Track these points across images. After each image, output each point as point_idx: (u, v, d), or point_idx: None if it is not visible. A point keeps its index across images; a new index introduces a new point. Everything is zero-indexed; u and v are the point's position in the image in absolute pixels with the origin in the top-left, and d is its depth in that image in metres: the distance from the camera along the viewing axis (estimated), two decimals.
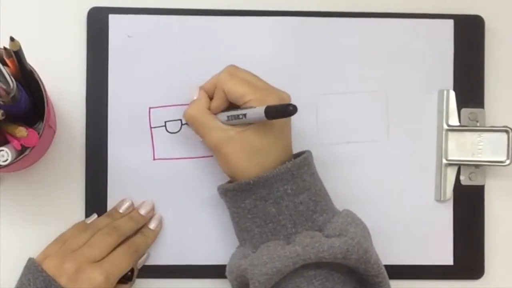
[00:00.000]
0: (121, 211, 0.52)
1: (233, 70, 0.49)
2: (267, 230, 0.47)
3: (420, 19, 0.55)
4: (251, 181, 0.46)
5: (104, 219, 0.52)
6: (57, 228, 0.51)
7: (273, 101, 0.46)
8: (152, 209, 0.53)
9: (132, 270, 0.51)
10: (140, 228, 0.52)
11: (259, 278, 0.45)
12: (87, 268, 0.47)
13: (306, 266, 0.45)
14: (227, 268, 0.49)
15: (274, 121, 0.46)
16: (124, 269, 0.49)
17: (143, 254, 0.52)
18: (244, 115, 0.46)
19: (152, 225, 0.53)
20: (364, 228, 0.48)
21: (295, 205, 0.46)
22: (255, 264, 0.45)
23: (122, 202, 0.53)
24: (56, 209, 0.53)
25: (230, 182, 0.50)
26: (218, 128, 0.48)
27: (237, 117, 0.46)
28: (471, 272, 0.55)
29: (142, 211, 0.52)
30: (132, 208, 0.53)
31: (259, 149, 0.47)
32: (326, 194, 0.49)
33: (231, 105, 0.48)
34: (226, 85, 0.47)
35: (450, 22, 0.55)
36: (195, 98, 0.50)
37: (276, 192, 0.46)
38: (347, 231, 0.46)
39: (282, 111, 0.44)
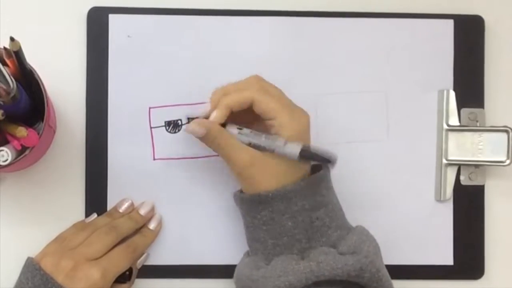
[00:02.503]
0: (121, 210, 0.52)
1: (264, 86, 0.47)
2: (281, 243, 0.46)
3: (420, 19, 0.55)
4: (270, 194, 0.46)
5: (103, 218, 0.52)
6: (57, 228, 0.51)
7: (296, 127, 0.46)
8: (152, 209, 0.53)
9: (130, 270, 0.51)
10: (139, 228, 0.52)
11: None
12: (84, 266, 0.47)
13: (317, 284, 0.45)
14: (235, 275, 0.49)
15: None
16: (122, 267, 0.49)
17: (142, 254, 0.52)
18: (274, 139, 0.45)
19: (151, 225, 0.52)
20: (376, 245, 0.47)
21: (312, 220, 0.46)
22: (268, 276, 0.45)
23: (122, 202, 0.53)
24: (56, 209, 0.53)
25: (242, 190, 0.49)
26: (240, 148, 0.46)
27: (265, 137, 0.46)
28: (471, 272, 0.55)
29: (142, 211, 0.52)
30: (132, 208, 0.53)
31: (284, 172, 0.46)
32: (340, 209, 0.49)
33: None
34: (261, 103, 0.46)
35: (450, 22, 0.55)
36: (211, 114, 0.47)
37: (294, 207, 0.46)
38: (361, 249, 0.45)
39: (320, 160, 0.45)
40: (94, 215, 0.52)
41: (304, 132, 0.47)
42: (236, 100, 0.46)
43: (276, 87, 0.48)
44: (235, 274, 0.49)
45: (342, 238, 0.47)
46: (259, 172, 0.46)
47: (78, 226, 0.51)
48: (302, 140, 0.46)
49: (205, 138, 0.47)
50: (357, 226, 0.49)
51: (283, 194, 0.46)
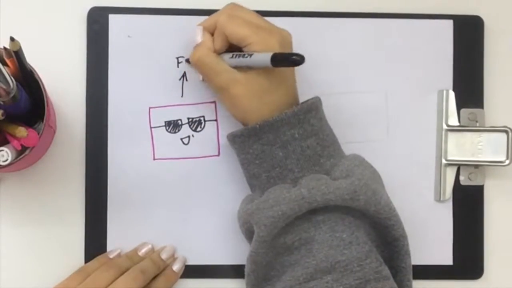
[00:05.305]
0: (140, 254, 0.51)
1: (232, 11, 0.48)
2: (274, 175, 0.47)
3: (420, 19, 0.55)
4: (258, 125, 0.46)
5: (125, 259, 0.50)
6: (57, 228, 0.51)
7: (275, 41, 0.46)
8: (173, 254, 0.52)
9: None
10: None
11: (264, 221, 0.44)
12: None
13: (314, 211, 0.45)
14: (237, 216, 0.49)
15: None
16: None
17: None
18: (250, 55, 0.46)
19: (175, 267, 0.52)
20: (374, 171, 0.47)
21: (302, 149, 0.46)
22: (261, 208, 0.45)
23: (142, 245, 0.52)
24: (56, 209, 0.53)
25: None
26: (225, 70, 0.47)
27: (242, 55, 0.46)
28: (471, 272, 0.55)
29: (164, 256, 0.51)
30: (152, 252, 0.52)
31: (266, 89, 0.46)
32: (334, 140, 0.49)
33: (234, 46, 0.48)
34: (227, 29, 0.47)
35: (450, 23, 0.56)
36: (199, 39, 0.49)
37: (283, 136, 0.46)
38: (354, 172, 0.45)
39: (288, 60, 0.44)
40: (118, 251, 0.51)
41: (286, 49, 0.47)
42: (208, 22, 0.49)
43: (249, 12, 0.48)
44: (237, 214, 0.49)
45: (335, 165, 0.47)
46: (241, 92, 0.46)
47: (102, 262, 0.50)
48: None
49: (198, 66, 0.49)
50: (350, 154, 0.49)
51: (270, 124, 0.46)
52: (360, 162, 0.47)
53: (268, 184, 0.47)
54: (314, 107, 0.47)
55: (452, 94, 0.55)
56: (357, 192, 0.44)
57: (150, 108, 0.53)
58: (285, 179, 0.46)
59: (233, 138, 0.48)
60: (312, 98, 0.48)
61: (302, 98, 0.50)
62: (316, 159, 0.46)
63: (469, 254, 0.55)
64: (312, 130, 0.46)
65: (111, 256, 0.51)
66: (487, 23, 0.56)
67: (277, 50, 0.45)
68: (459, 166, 0.55)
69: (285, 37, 0.47)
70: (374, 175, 0.47)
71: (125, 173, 0.53)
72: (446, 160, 0.54)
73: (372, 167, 0.48)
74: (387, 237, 0.47)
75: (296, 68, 0.54)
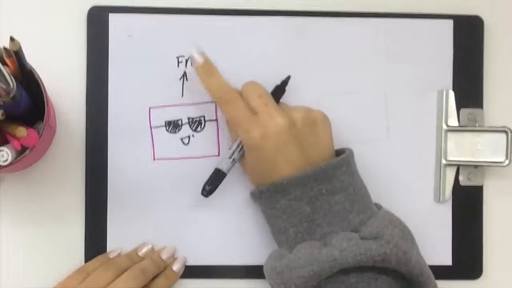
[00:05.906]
0: (140, 254, 0.51)
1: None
2: (302, 230, 0.46)
3: (419, 19, 0.55)
4: (285, 181, 0.46)
5: (125, 259, 0.50)
6: (57, 228, 0.51)
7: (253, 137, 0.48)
8: (173, 254, 0.52)
9: None
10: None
11: (295, 280, 0.44)
12: None
13: (347, 272, 0.45)
14: (264, 269, 0.49)
15: (317, 122, 0.49)
16: None
17: None
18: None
19: (175, 267, 0.52)
20: (403, 228, 0.47)
21: (330, 205, 0.46)
22: (291, 267, 0.45)
23: (142, 245, 0.52)
24: (56, 209, 0.53)
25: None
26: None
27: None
28: (470, 272, 0.55)
29: (164, 256, 0.52)
30: (152, 252, 0.52)
31: (311, 144, 0.47)
32: (365, 194, 0.49)
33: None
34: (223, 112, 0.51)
35: (450, 23, 0.56)
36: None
37: (310, 192, 0.46)
38: (384, 234, 0.45)
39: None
40: (118, 251, 0.52)
41: (267, 139, 0.47)
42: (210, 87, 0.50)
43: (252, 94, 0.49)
44: (264, 268, 0.49)
45: (364, 223, 0.46)
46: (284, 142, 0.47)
47: (102, 261, 0.50)
48: (263, 148, 0.47)
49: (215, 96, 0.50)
50: (381, 210, 0.49)
51: (298, 180, 0.46)
52: (389, 221, 0.47)
53: (296, 239, 0.47)
54: (344, 162, 0.47)
55: (451, 94, 0.55)
56: (387, 254, 0.44)
57: (150, 108, 0.53)
58: (313, 234, 0.46)
59: (259, 194, 0.48)
60: (344, 153, 0.48)
61: (302, 98, 0.49)
62: (344, 214, 0.46)
63: (468, 254, 0.55)
64: (341, 186, 0.46)
65: (111, 256, 0.51)
66: (487, 23, 0.56)
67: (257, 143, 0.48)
68: (458, 167, 0.55)
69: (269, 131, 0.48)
70: (404, 232, 0.47)
71: (125, 173, 0.53)
72: (446, 160, 0.55)
73: (401, 223, 0.47)
74: None
75: (296, 68, 0.54)
